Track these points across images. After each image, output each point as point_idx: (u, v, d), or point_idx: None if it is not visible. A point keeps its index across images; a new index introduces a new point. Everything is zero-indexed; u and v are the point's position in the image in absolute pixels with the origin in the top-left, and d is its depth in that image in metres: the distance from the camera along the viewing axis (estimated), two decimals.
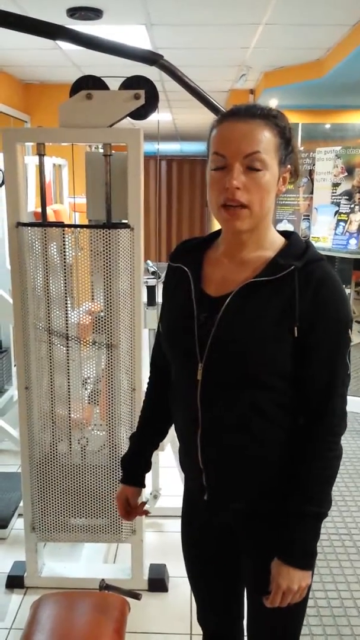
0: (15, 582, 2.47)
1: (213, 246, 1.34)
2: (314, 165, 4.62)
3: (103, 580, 1.78)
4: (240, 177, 1.16)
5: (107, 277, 2.11)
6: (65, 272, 2.15)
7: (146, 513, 1.57)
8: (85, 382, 2.29)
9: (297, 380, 1.22)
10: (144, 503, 1.56)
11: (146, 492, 2.87)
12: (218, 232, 1.34)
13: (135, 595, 1.75)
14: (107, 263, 2.09)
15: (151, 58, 2.17)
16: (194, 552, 1.50)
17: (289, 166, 1.24)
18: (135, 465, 1.52)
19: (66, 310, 2.18)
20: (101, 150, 2.09)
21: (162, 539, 2.75)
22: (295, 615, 1.38)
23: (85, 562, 2.63)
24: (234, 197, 1.16)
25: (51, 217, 3.90)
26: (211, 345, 1.22)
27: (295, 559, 1.23)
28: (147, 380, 1.54)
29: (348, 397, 4.19)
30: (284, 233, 1.30)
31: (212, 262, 1.31)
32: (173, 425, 1.45)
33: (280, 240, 1.27)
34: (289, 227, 4.85)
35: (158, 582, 2.45)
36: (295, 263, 1.19)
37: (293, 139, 1.23)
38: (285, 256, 1.22)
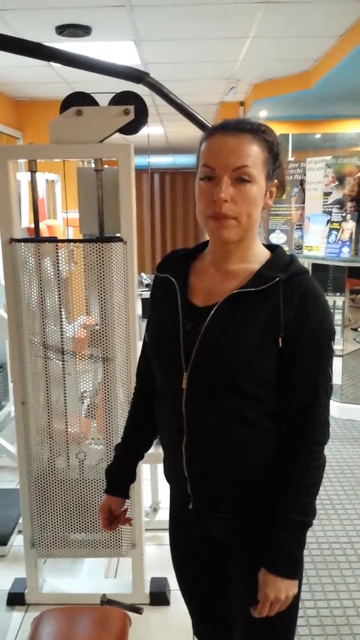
0: (16, 599, 2.45)
1: (200, 257, 1.36)
2: (304, 175, 4.65)
3: (104, 595, 1.77)
4: (229, 189, 1.18)
5: (101, 290, 2.12)
6: (59, 287, 2.16)
7: (129, 522, 1.56)
8: (82, 396, 2.29)
9: (281, 389, 1.24)
10: (125, 511, 1.55)
11: (146, 505, 2.86)
12: (205, 244, 1.35)
13: (137, 610, 1.74)
14: (100, 276, 2.10)
15: (137, 76, 2.20)
16: (183, 566, 1.50)
17: (275, 180, 1.26)
18: (120, 476, 1.52)
19: (61, 324, 2.19)
20: (92, 166, 2.11)
21: (163, 552, 2.73)
22: (286, 626, 1.39)
23: (86, 577, 2.62)
24: (221, 210, 1.18)
25: (45, 233, 3.91)
26: (196, 354, 1.23)
27: (281, 569, 1.24)
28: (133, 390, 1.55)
29: (345, 405, 4.20)
30: (268, 246, 1.33)
31: (198, 273, 1.32)
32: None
33: (265, 253, 1.30)
34: (282, 237, 4.87)
35: (159, 596, 2.44)
36: (280, 275, 1.21)
37: (281, 153, 1.26)
38: (271, 268, 1.24)
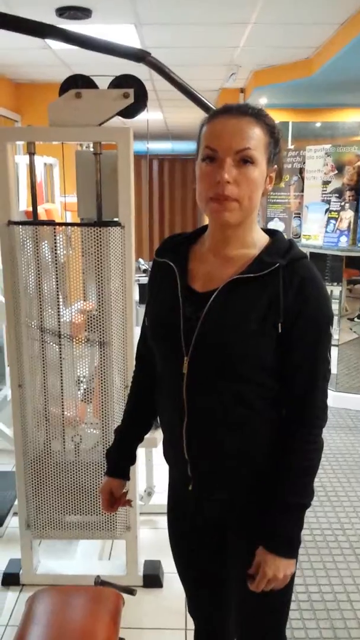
0: (10, 579, 2.48)
1: (199, 242, 1.36)
2: (304, 163, 4.64)
3: (98, 576, 1.79)
4: (232, 171, 1.17)
5: (98, 274, 2.12)
6: (57, 271, 2.16)
7: (129, 503, 1.58)
8: (79, 380, 2.30)
9: (280, 374, 1.25)
10: (125, 494, 1.57)
11: (140, 489, 2.88)
12: (204, 228, 1.35)
13: (131, 591, 1.76)
14: (98, 261, 2.10)
15: (139, 55, 2.18)
16: (181, 544, 1.52)
17: (275, 166, 1.26)
18: (121, 458, 1.54)
19: (58, 308, 2.19)
20: (91, 149, 2.10)
21: (157, 535, 2.76)
22: (281, 605, 1.41)
23: (80, 559, 2.64)
24: (225, 191, 1.18)
25: (42, 216, 3.90)
26: (197, 340, 1.24)
27: (280, 548, 1.26)
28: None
29: (340, 394, 4.23)
30: (268, 231, 1.33)
31: (197, 258, 1.33)
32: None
33: (264, 239, 1.30)
34: (280, 226, 4.87)
35: (153, 578, 2.46)
36: (279, 261, 1.22)
37: (281, 139, 1.26)
38: (270, 254, 1.24)
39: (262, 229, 1.32)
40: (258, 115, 1.21)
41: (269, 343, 1.21)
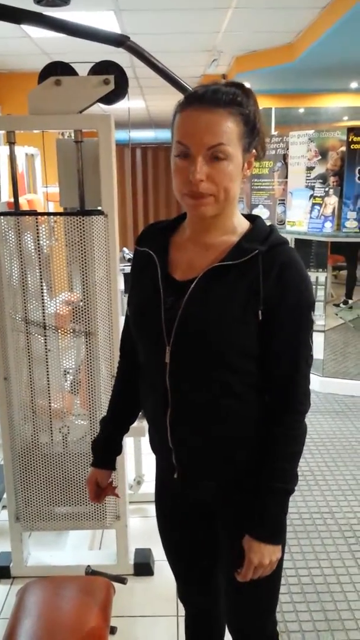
0: (1, 572, 2.47)
1: (179, 229, 1.35)
2: (287, 149, 4.63)
3: (89, 566, 1.79)
4: (204, 168, 1.16)
5: (82, 264, 2.10)
6: (40, 262, 2.13)
7: (116, 494, 1.58)
8: (65, 372, 2.29)
9: (263, 361, 1.25)
10: (111, 483, 1.57)
11: (129, 478, 2.89)
12: (185, 215, 1.34)
13: (122, 580, 1.77)
14: (82, 250, 2.08)
15: (118, 39, 2.16)
16: (169, 532, 1.53)
17: (254, 151, 1.24)
18: (106, 449, 1.54)
19: (42, 300, 2.17)
20: (72, 137, 2.08)
21: (147, 524, 2.77)
22: (270, 589, 1.42)
23: (70, 549, 2.64)
24: (198, 189, 1.17)
25: (25, 207, 3.86)
26: (177, 329, 1.23)
27: (265, 534, 1.27)
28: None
29: (326, 379, 4.24)
30: (248, 217, 1.32)
31: (178, 247, 1.32)
32: None
33: (244, 224, 1.29)
34: (265, 212, 4.86)
35: (144, 567, 2.47)
36: (259, 247, 1.21)
37: (258, 123, 1.23)
38: (250, 240, 1.23)
39: (243, 214, 1.31)
40: (232, 104, 1.17)
41: (250, 330, 1.21)
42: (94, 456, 1.54)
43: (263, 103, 6.73)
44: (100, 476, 1.53)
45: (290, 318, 1.22)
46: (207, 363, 1.24)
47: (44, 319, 2.18)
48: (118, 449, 1.54)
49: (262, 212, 4.86)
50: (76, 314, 2.16)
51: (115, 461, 1.55)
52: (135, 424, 1.58)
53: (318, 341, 4.75)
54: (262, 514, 1.27)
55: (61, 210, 2.25)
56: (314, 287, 6.56)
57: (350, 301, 6.05)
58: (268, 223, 1.32)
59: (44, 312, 2.18)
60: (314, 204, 4.42)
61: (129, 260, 3.14)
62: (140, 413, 1.54)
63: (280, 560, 1.33)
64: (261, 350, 1.24)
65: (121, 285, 2.67)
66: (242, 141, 1.19)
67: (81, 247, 2.08)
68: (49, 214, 2.15)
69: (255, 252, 1.20)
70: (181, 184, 1.19)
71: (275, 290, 1.19)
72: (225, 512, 1.37)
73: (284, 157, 4.68)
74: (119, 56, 2.21)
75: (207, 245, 1.27)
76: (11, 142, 2.10)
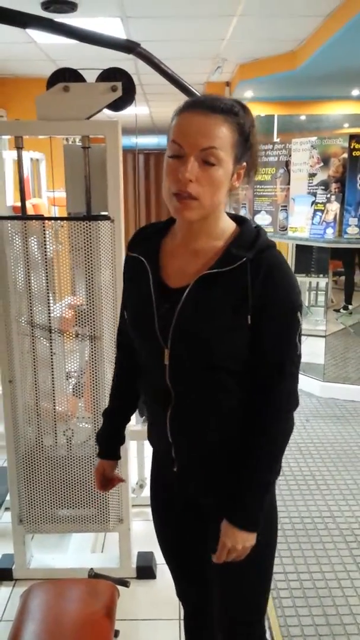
0: (3, 574, 2.48)
1: (170, 233, 1.37)
2: (290, 156, 4.65)
3: (92, 569, 1.80)
4: (194, 169, 1.18)
5: (88, 268, 2.12)
6: (46, 265, 2.15)
7: (121, 480, 1.66)
8: (69, 375, 2.30)
9: (251, 360, 1.28)
10: (117, 474, 1.65)
11: (132, 482, 2.89)
12: (175, 218, 1.36)
13: (124, 583, 1.78)
14: (88, 255, 2.10)
15: (128, 46, 2.18)
16: (165, 528, 1.58)
17: (244, 163, 1.26)
18: (110, 440, 1.60)
19: (48, 303, 2.19)
20: (79, 143, 2.10)
21: (149, 527, 2.73)
22: (257, 585, 1.46)
23: (73, 552, 2.65)
24: (186, 188, 1.19)
25: (30, 212, 3.89)
26: (173, 334, 1.27)
27: (239, 521, 1.31)
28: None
29: (327, 384, 4.24)
30: (236, 218, 1.34)
31: (169, 252, 1.35)
32: None
33: (231, 227, 1.31)
34: (267, 218, 4.88)
35: (146, 570, 2.48)
36: (246, 255, 1.24)
37: (252, 136, 1.25)
38: (238, 246, 1.26)
39: (229, 215, 1.33)
40: (228, 112, 1.20)
41: (242, 335, 1.25)
42: (99, 448, 1.60)
43: (266, 110, 6.76)
44: (106, 466, 1.60)
45: (277, 319, 1.25)
46: (205, 366, 1.28)
47: (49, 323, 2.20)
48: (121, 439, 1.61)
49: (264, 218, 4.89)
50: (81, 317, 2.18)
51: (119, 450, 1.62)
52: (138, 428, 1.61)
53: (319, 346, 4.76)
54: (240, 502, 1.31)
55: (65, 214, 2.26)
56: (314, 292, 6.61)
57: (350, 307, 6.06)
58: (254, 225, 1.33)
59: (49, 316, 2.19)
60: (315, 210, 4.44)
61: None
62: (142, 418, 1.57)
63: (270, 559, 1.40)
64: (250, 351, 1.27)
65: None
66: (234, 150, 1.22)
67: (87, 251, 2.10)
68: (55, 218, 2.17)
69: (243, 260, 1.23)
70: (171, 184, 1.22)
71: (262, 294, 1.23)
72: (218, 505, 1.39)
73: (287, 163, 4.70)
74: (123, 63, 2.23)
75: (196, 251, 1.30)
76: (19, 147, 2.12)
